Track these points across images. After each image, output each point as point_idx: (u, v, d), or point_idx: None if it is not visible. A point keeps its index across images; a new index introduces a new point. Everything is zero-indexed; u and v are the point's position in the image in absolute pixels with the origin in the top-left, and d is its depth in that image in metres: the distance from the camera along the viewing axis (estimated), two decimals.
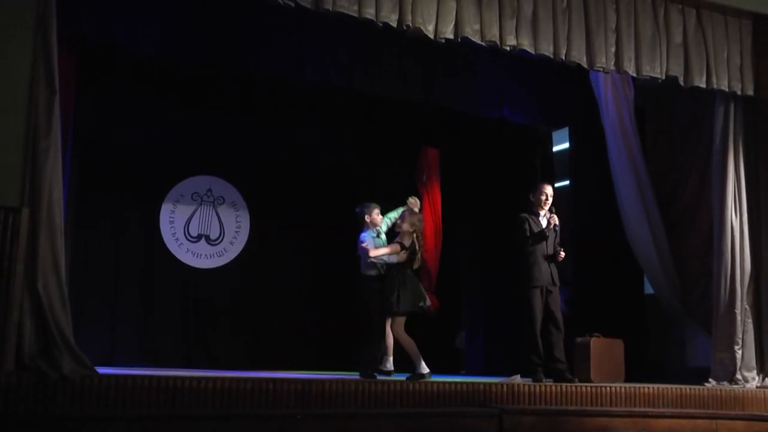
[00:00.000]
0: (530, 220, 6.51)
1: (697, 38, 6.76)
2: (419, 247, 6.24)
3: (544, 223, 6.51)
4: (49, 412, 4.37)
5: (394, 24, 5.70)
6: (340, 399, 5.00)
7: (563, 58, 6.27)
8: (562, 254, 6.47)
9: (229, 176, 8.89)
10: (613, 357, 6.83)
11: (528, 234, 6.43)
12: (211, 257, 8.76)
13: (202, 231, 8.74)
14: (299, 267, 9.12)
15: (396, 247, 6.22)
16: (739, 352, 6.74)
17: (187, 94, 8.13)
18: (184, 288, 8.53)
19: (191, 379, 4.79)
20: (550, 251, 6.45)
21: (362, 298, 6.45)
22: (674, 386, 6.16)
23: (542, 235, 6.41)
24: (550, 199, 6.56)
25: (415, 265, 6.32)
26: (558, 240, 6.53)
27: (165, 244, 8.52)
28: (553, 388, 5.71)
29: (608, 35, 6.42)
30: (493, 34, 5.99)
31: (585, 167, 8.44)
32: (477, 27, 5.94)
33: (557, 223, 6.48)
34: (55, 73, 4.88)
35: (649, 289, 7.94)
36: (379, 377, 5.91)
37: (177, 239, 8.60)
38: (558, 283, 6.47)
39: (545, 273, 6.39)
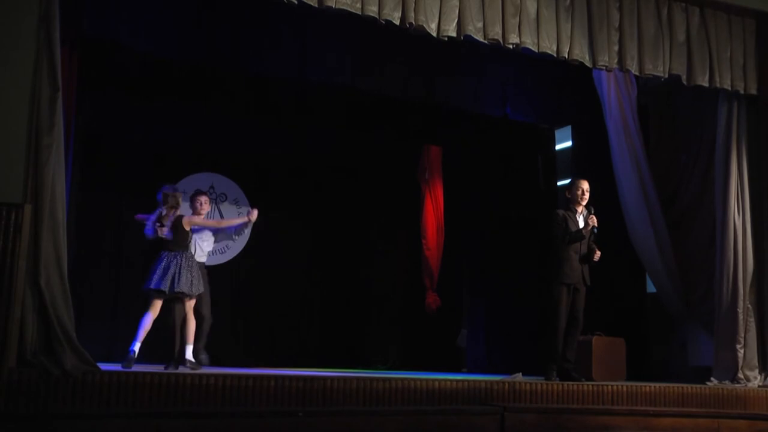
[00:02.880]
0: (567, 216, 6.45)
1: (701, 37, 6.75)
2: None
3: (580, 220, 6.46)
4: (51, 408, 4.37)
5: (397, 22, 5.70)
6: (341, 396, 5.00)
7: (566, 57, 6.26)
8: (599, 253, 6.38)
9: (232, 173, 8.90)
10: (614, 355, 6.84)
11: (566, 232, 6.37)
12: (213, 254, 8.74)
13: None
14: (301, 264, 9.14)
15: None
16: (741, 351, 6.73)
17: (190, 92, 8.12)
18: None
19: (193, 375, 4.80)
20: (584, 250, 6.39)
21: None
22: (676, 385, 6.15)
23: (580, 235, 6.37)
24: (587, 195, 6.50)
25: None
26: (593, 238, 6.47)
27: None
28: (555, 386, 5.71)
29: (611, 33, 6.41)
30: (496, 33, 5.98)
31: (587, 166, 8.41)
32: (480, 25, 5.94)
33: (596, 224, 6.41)
34: (58, 71, 4.89)
35: (651, 288, 7.94)
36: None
37: None
38: (589, 283, 6.42)
39: (576, 271, 6.35)
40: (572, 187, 6.57)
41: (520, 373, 6.29)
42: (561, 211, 6.49)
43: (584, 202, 6.48)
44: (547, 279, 6.43)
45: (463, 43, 6.07)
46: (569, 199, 6.56)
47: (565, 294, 6.30)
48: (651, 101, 7.97)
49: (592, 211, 6.45)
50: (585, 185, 6.53)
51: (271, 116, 8.62)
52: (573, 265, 6.34)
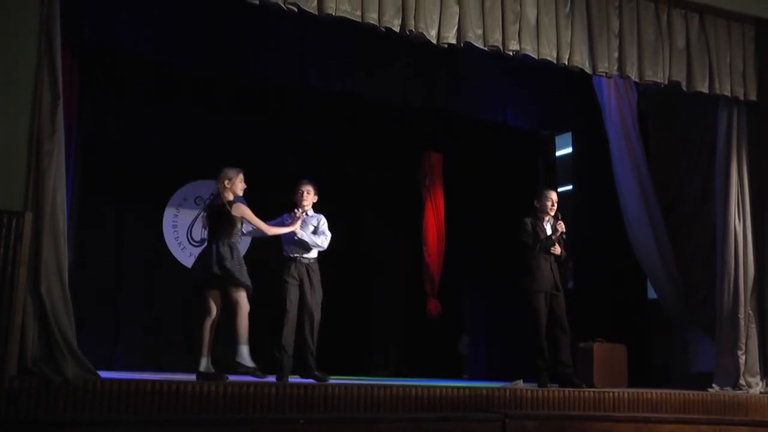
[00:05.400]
0: (536, 225, 6.49)
1: (700, 43, 6.77)
2: None
3: (547, 228, 6.51)
4: (52, 416, 4.37)
5: (397, 29, 5.71)
6: (342, 403, 5.00)
7: (566, 63, 6.28)
8: (558, 249, 6.41)
9: None
10: (615, 362, 6.83)
11: (536, 239, 6.41)
12: None
13: (206, 236, 8.70)
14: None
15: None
16: (743, 357, 6.72)
17: (190, 99, 8.13)
18: (187, 292, 8.51)
19: (194, 383, 4.80)
20: (553, 257, 6.44)
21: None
22: (677, 391, 6.15)
23: (551, 241, 6.41)
24: (555, 206, 6.55)
25: None
26: (563, 245, 6.52)
27: (168, 248, 8.53)
28: (556, 393, 5.70)
29: (611, 40, 6.42)
30: (496, 39, 5.99)
31: (588, 172, 8.44)
32: (480, 32, 5.95)
33: (564, 230, 6.46)
34: (59, 77, 4.89)
35: (652, 294, 7.93)
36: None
37: (180, 243, 8.60)
38: (561, 289, 6.46)
39: (548, 278, 6.38)
40: (541, 197, 6.60)
41: (521, 380, 6.28)
42: (529, 220, 6.52)
43: (552, 213, 6.53)
44: (523, 289, 6.44)
45: (463, 50, 6.07)
46: (537, 209, 6.59)
47: (542, 301, 6.34)
48: (651, 107, 7.98)
49: (560, 217, 6.50)
50: (554, 196, 6.61)
51: (271, 122, 8.62)
52: (544, 273, 6.39)
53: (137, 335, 8.26)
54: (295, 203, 6.39)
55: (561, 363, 6.30)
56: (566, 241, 6.53)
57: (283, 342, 5.99)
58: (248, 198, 8.85)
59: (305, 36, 7.01)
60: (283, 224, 6.25)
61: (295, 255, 6.24)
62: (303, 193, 6.40)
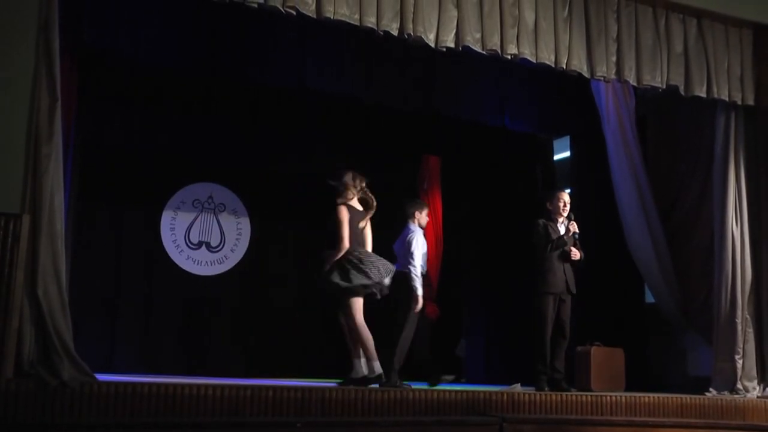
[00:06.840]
0: (549, 226, 6.48)
1: (698, 48, 6.78)
2: None
3: (561, 228, 6.50)
4: (49, 419, 4.36)
5: (395, 32, 5.71)
6: (339, 407, 4.99)
7: (564, 67, 6.28)
8: (577, 253, 6.39)
9: (230, 184, 8.90)
10: (613, 366, 6.82)
11: (548, 240, 6.39)
12: (211, 264, 8.76)
13: (203, 238, 8.74)
14: (300, 274, 9.11)
15: None
16: (740, 361, 6.73)
17: (189, 102, 8.12)
18: (185, 295, 8.53)
19: (191, 386, 4.78)
20: (567, 258, 6.43)
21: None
22: (675, 396, 6.14)
23: (562, 241, 6.40)
24: (568, 207, 6.55)
25: None
26: (577, 246, 6.50)
27: (166, 251, 8.52)
28: (554, 397, 5.70)
29: (609, 44, 6.43)
30: (494, 43, 6.00)
31: (586, 176, 8.44)
32: (478, 36, 5.95)
33: (577, 230, 6.46)
34: (57, 80, 4.89)
35: (650, 298, 7.93)
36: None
37: (178, 246, 8.60)
38: (574, 292, 6.44)
39: (560, 280, 6.36)
40: (553, 198, 6.61)
41: (519, 384, 6.28)
42: (542, 221, 6.52)
43: (565, 213, 6.53)
44: (533, 289, 6.43)
45: (461, 53, 6.08)
46: (550, 210, 6.59)
47: (551, 303, 6.32)
48: (649, 111, 7.99)
49: (572, 218, 6.50)
50: (566, 197, 6.60)
51: (270, 125, 8.62)
52: (557, 274, 6.37)
53: (134, 338, 8.26)
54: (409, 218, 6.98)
55: (553, 368, 6.30)
56: (578, 242, 6.51)
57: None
58: (251, 199, 8.87)
59: (304, 38, 7.01)
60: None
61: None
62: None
